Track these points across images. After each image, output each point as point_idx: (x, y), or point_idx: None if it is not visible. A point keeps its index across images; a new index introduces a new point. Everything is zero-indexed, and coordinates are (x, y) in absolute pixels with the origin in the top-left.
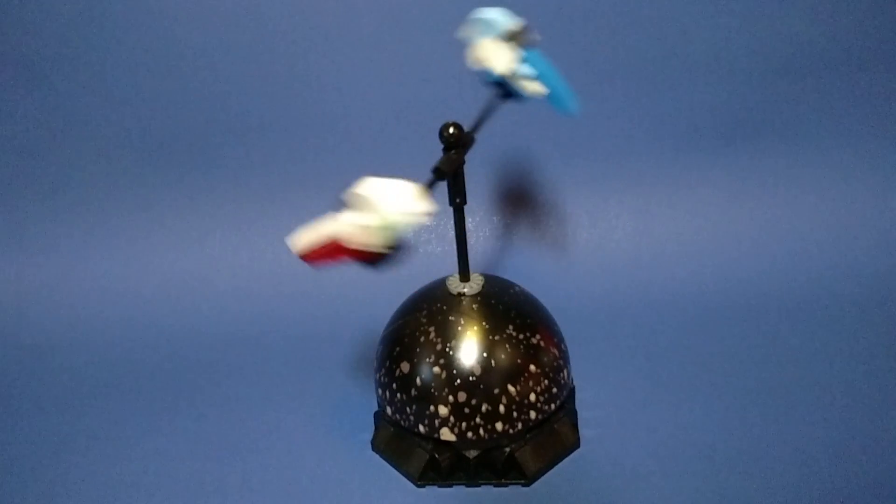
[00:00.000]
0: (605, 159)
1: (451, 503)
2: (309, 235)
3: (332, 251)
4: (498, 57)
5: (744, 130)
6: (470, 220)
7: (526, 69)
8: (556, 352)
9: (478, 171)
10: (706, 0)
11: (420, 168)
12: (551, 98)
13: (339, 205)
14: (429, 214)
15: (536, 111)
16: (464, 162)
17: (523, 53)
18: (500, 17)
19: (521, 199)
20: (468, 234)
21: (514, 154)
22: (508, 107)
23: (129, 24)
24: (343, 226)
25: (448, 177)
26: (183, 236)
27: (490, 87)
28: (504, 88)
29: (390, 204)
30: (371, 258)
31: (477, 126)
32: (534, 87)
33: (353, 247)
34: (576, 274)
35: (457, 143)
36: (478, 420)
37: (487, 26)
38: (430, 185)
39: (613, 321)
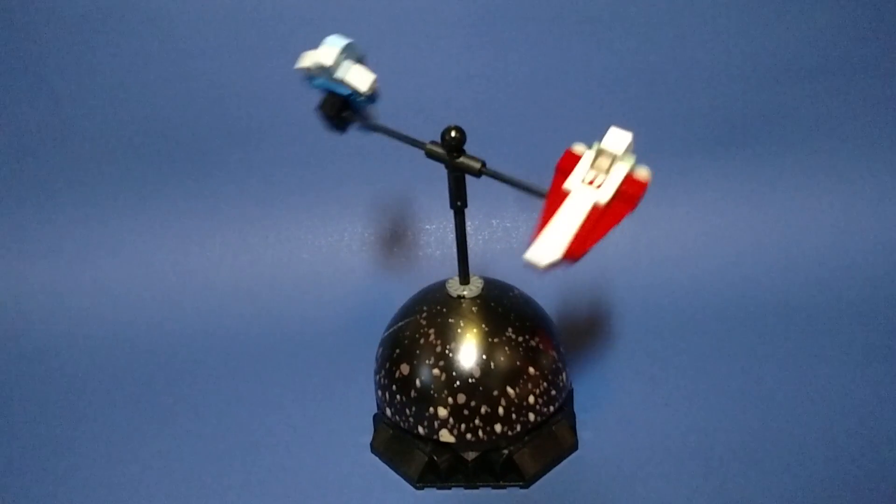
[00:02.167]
0: None
1: None
2: (557, 238)
3: (597, 226)
4: (368, 75)
5: (742, 134)
6: (470, 223)
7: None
8: (554, 354)
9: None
10: (704, 5)
11: (420, 169)
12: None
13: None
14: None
15: (535, 114)
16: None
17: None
18: (353, 42)
19: (519, 203)
20: (468, 237)
21: (514, 157)
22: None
23: (130, 27)
24: (604, 192)
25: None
26: (183, 238)
27: (324, 113)
28: (342, 116)
29: (630, 141)
30: (639, 196)
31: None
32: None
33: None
34: (574, 277)
35: (459, 146)
36: (477, 422)
37: (351, 50)
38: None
39: (612, 324)
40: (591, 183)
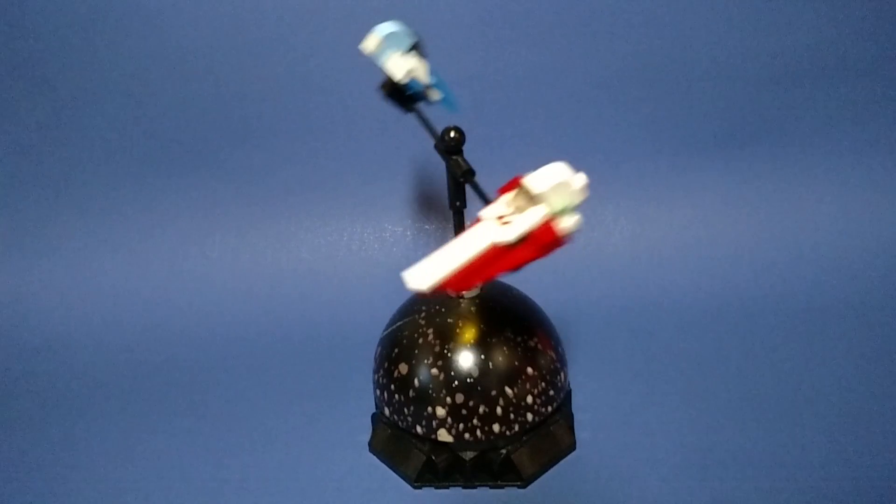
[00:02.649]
0: (602, 164)
1: None
2: (440, 264)
3: (489, 265)
4: (420, 69)
5: (741, 136)
6: (468, 223)
7: (434, 77)
8: (553, 355)
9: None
10: (704, 7)
11: (420, 170)
12: (443, 101)
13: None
14: (586, 186)
15: (535, 116)
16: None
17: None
18: (406, 31)
19: None
20: None
21: (513, 158)
22: (508, 111)
23: (131, 28)
24: (511, 231)
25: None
26: (183, 238)
27: (391, 100)
28: (407, 99)
29: (570, 184)
30: (553, 249)
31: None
32: (433, 94)
33: (532, 245)
34: (573, 277)
35: (458, 147)
36: (475, 421)
37: (398, 40)
38: (475, 189)
39: (610, 325)
40: (500, 219)
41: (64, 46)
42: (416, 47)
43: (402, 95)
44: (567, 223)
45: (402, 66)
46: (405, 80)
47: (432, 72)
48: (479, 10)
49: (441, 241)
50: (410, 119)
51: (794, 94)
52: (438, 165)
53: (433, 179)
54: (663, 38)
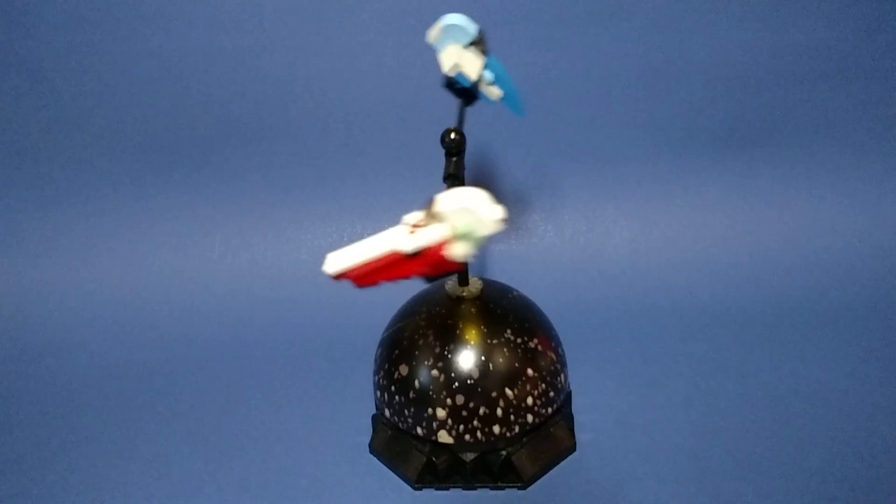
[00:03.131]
0: (602, 165)
1: None
2: (349, 256)
3: (388, 269)
4: (469, 63)
5: (741, 137)
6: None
7: (489, 74)
8: (553, 356)
9: (477, 176)
10: (704, 8)
11: (419, 171)
12: (505, 100)
13: (385, 222)
14: (502, 220)
15: (535, 116)
16: (463, 167)
17: (486, 59)
18: (467, 24)
19: (519, 204)
20: None
21: (513, 159)
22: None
23: (130, 27)
24: (410, 242)
25: (461, 179)
26: (182, 238)
27: (450, 91)
28: (465, 92)
29: (474, 212)
30: (442, 270)
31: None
32: (492, 91)
33: (436, 259)
34: (573, 279)
35: (458, 149)
36: (475, 423)
37: (458, 33)
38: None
39: (610, 326)
40: (413, 227)
41: (64, 47)
42: (476, 42)
43: (457, 88)
44: (457, 249)
45: (451, 58)
46: (451, 73)
47: (493, 69)
48: (479, 11)
49: None
50: (410, 119)
51: (795, 96)
52: (438, 166)
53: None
54: (664, 39)
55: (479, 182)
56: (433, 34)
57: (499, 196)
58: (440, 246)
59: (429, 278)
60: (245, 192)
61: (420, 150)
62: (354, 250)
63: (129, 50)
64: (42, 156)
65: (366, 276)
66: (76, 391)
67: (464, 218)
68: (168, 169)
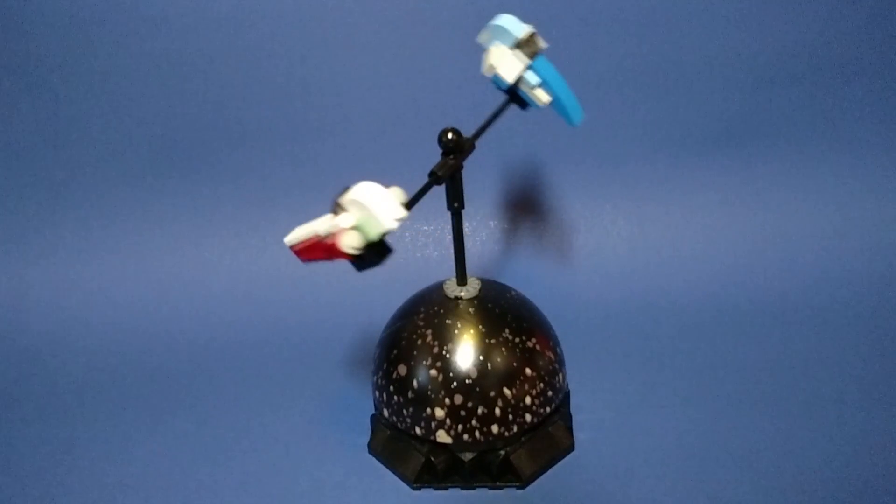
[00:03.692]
0: (600, 165)
1: None
2: (300, 231)
3: (316, 248)
4: (507, 65)
5: (738, 136)
6: (467, 224)
7: (531, 77)
8: (551, 355)
9: (476, 176)
10: (700, 7)
11: (418, 172)
12: (555, 106)
13: (333, 205)
14: (399, 220)
15: (533, 117)
16: (462, 167)
17: (530, 61)
18: (512, 25)
19: (518, 204)
20: (466, 239)
21: (512, 159)
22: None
23: (129, 29)
24: (324, 225)
25: (443, 181)
26: (180, 239)
27: (502, 93)
28: (515, 95)
29: (366, 207)
30: (348, 258)
31: (479, 133)
32: (539, 95)
33: (332, 246)
34: (572, 278)
35: (455, 149)
36: (474, 423)
37: (503, 34)
38: (425, 190)
39: (609, 325)
40: (335, 210)
41: (62, 49)
42: (523, 44)
43: (506, 91)
44: (345, 239)
45: (489, 59)
46: (487, 74)
47: (541, 73)
48: (475, 10)
49: (439, 242)
50: (407, 119)
51: (792, 94)
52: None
53: None
54: (660, 38)
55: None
56: (483, 36)
57: (497, 197)
58: (339, 233)
59: (357, 265)
60: (243, 193)
61: (419, 152)
62: (302, 227)
63: (127, 53)
64: (40, 157)
65: (304, 252)
66: (73, 392)
67: (359, 210)
68: (165, 170)
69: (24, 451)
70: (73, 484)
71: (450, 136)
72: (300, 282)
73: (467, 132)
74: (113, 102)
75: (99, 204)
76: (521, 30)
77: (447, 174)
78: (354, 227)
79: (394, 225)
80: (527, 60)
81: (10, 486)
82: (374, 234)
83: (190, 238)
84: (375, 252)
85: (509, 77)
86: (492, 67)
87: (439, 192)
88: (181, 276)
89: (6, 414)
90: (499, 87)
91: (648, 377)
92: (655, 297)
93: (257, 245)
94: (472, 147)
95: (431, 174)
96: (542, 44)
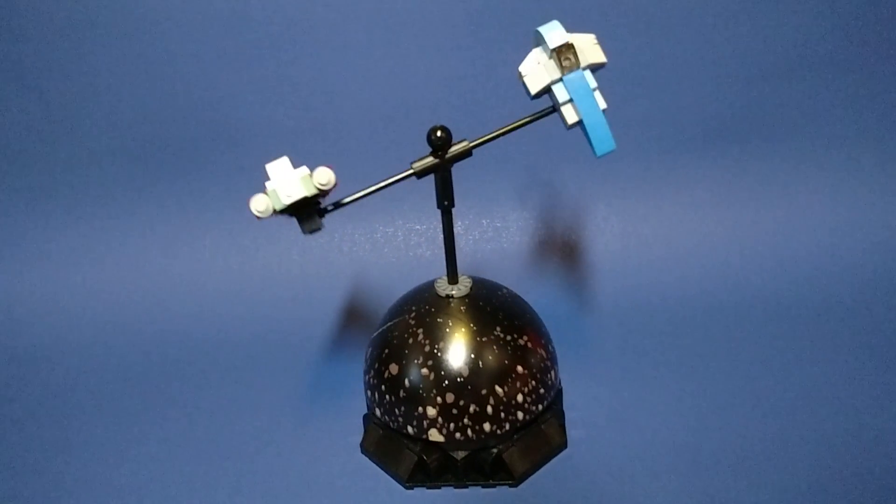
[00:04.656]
0: (592, 162)
1: None
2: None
3: None
4: (535, 74)
5: (731, 133)
6: (460, 223)
7: (560, 93)
8: (543, 353)
9: (467, 175)
10: (693, 4)
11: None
12: (582, 128)
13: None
14: (289, 198)
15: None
16: (448, 166)
17: (561, 74)
18: (549, 32)
19: (509, 203)
20: (458, 237)
21: (504, 158)
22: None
23: (120, 30)
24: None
25: (418, 176)
26: (174, 240)
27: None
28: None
29: (276, 180)
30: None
31: (483, 143)
32: (565, 113)
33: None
34: (564, 275)
35: (444, 146)
36: (466, 421)
37: (542, 39)
38: (398, 181)
39: (601, 322)
40: None
41: (53, 50)
42: (558, 54)
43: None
44: (252, 202)
45: (524, 64)
46: (520, 80)
47: (572, 89)
48: (469, 10)
49: (432, 241)
50: (402, 119)
51: (785, 91)
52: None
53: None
54: (653, 36)
55: (471, 179)
56: (534, 39)
57: (488, 196)
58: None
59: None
60: (235, 193)
61: (411, 151)
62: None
63: (118, 53)
64: (33, 159)
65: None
66: (68, 393)
67: (273, 183)
68: (158, 171)
69: (19, 453)
70: (67, 485)
71: (439, 133)
72: (292, 281)
73: (458, 132)
74: (103, 103)
75: (90, 205)
76: (553, 39)
77: (419, 169)
78: (267, 194)
79: (285, 201)
80: (557, 73)
81: (4, 485)
82: (277, 205)
83: (182, 238)
84: (304, 219)
85: (533, 88)
86: (521, 76)
87: (432, 191)
88: (173, 277)
89: (0, 416)
90: (529, 97)
91: (641, 374)
92: (648, 294)
93: (249, 245)
94: (469, 153)
95: (413, 165)
96: (590, 58)
